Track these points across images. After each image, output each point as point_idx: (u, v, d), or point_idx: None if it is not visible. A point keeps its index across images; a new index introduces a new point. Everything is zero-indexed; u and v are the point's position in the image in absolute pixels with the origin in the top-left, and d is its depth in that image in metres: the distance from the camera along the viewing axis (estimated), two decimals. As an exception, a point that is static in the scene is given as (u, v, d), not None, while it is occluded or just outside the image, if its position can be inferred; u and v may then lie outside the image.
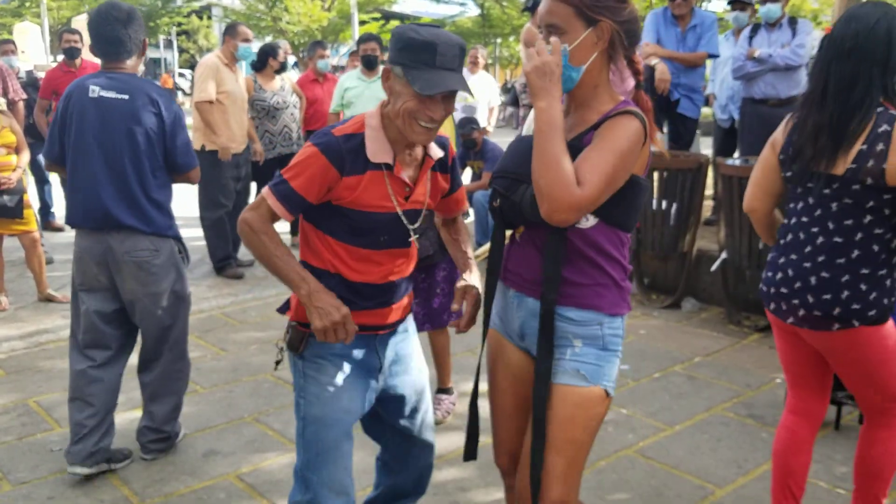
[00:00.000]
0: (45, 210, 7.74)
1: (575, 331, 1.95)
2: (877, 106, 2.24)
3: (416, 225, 2.16)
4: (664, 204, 5.33)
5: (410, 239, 2.16)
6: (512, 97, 8.50)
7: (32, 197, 6.09)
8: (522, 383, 2.08)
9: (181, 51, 31.41)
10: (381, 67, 2.45)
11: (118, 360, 3.34)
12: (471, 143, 6.87)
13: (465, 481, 3.17)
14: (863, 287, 2.27)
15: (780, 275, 2.41)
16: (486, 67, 8.22)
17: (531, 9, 7.64)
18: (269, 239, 2.06)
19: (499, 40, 30.26)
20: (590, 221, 1.89)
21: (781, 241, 2.46)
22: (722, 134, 6.56)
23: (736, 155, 6.22)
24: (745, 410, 3.78)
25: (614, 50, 1.90)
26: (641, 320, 5.21)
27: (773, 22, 5.68)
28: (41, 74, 7.68)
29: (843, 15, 2.33)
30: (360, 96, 6.11)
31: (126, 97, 3.06)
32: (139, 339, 3.42)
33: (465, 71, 8.10)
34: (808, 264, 2.34)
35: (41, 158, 7.34)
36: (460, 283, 2.25)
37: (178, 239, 3.30)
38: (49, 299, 5.50)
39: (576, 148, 1.84)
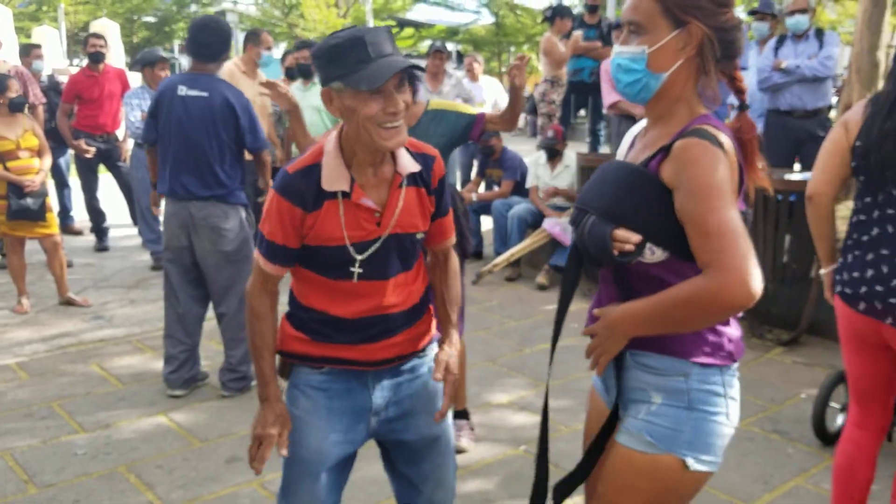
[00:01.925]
0: (65, 214, 7.78)
1: (654, 382, 1.68)
2: None
3: (368, 254, 1.90)
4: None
5: (385, 266, 1.92)
6: (530, 106, 8.51)
7: (52, 201, 6.13)
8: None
9: (196, 56, 31.67)
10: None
11: (197, 306, 4.06)
12: (489, 150, 6.86)
13: (490, 493, 3.15)
14: None
15: (870, 273, 2.34)
16: (500, 75, 8.22)
17: (550, 19, 7.69)
18: (259, 322, 1.96)
19: (513, 48, 30.25)
20: (656, 255, 1.61)
21: (864, 238, 2.39)
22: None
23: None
24: (770, 426, 3.75)
25: (705, 60, 1.63)
26: (662, 332, 5.17)
27: (801, 33, 5.66)
28: (63, 78, 7.72)
29: None
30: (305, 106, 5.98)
31: (206, 94, 3.79)
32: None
33: (464, 80, 8.11)
34: None
35: (62, 162, 7.41)
36: (440, 356, 2.00)
37: (246, 206, 4.00)
38: (70, 303, 5.52)
39: (642, 173, 1.62)
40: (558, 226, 6.20)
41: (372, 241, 1.90)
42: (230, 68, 6.01)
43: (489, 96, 8.23)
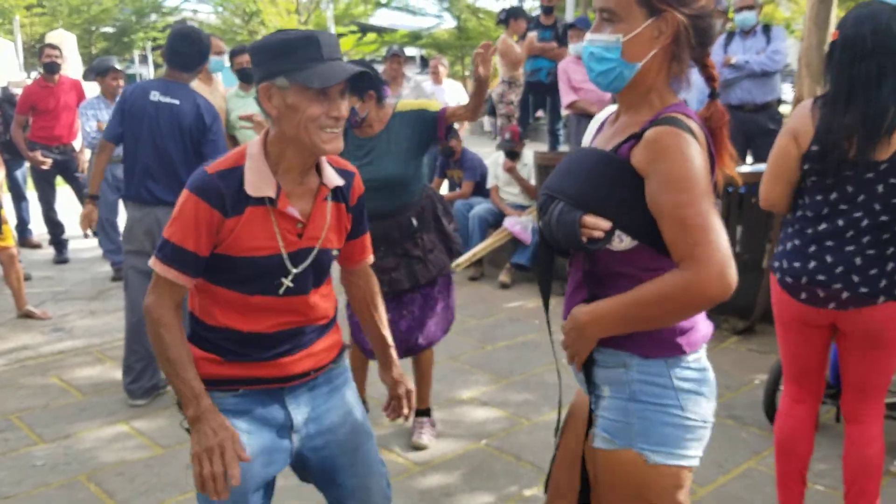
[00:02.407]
0: (23, 227, 7.68)
1: (602, 374, 1.67)
2: None
3: (307, 263, 1.85)
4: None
5: (300, 280, 1.85)
6: (489, 107, 8.57)
7: (10, 214, 6.05)
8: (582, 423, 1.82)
9: (156, 66, 31.29)
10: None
11: None
12: (449, 151, 6.92)
13: (450, 487, 3.19)
14: None
15: (812, 264, 2.45)
16: (464, 78, 8.30)
17: (504, 21, 7.77)
18: (168, 334, 1.77)
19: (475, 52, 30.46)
20: (624, 242, 1.58)
21: (808, 231, 2.48)
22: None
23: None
24: (724, 412, 3.83)
25: (679, 48, 1.58)
26: (622, 325, 5.26)
27: (748, 29, 5.79)
28: (17, 91, 7.63)
29: (849, 19, 2.38)
30: (241, 113, 5.65)
31: (177, 102, 3.85)
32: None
33: (428, 82, 8.16)
34: (850, 247, 2.41)
35: (18, 175, 7.33)
36: (397, 387, 2.14)
37: None
38: (28, 315, 5.46)
39: (613, 159, 1.59)
40: (519, 224, 6.27)
41: (304, 252, 1.84)
42: None
43: (452, 99, 8.29)
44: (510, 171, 6.46)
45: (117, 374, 4.34)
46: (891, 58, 2.30)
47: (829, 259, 2.43)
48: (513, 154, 6.51)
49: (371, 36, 26.45)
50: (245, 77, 5.71)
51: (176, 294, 1.80)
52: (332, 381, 2.02)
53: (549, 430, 3.67)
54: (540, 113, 8.41)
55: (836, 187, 2.42)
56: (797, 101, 5.53)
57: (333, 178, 1.88)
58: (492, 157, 6.83)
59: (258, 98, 1.75)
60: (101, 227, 6.55)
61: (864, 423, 2.59)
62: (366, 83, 1.99)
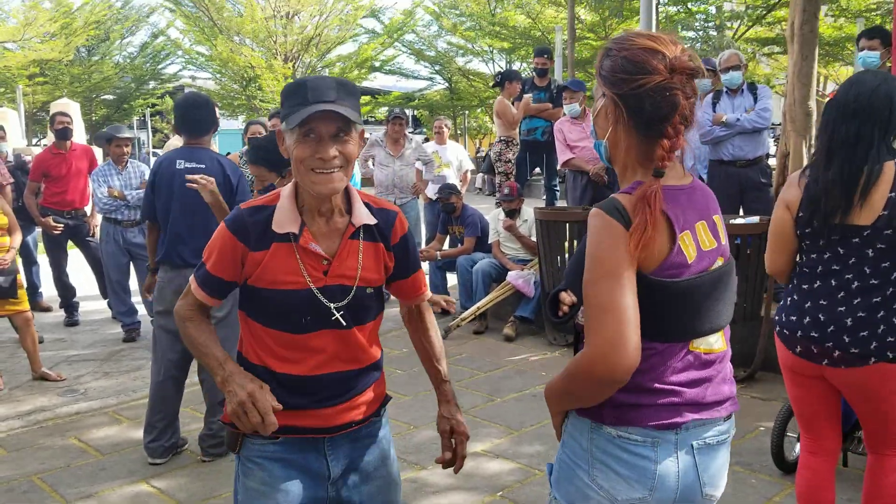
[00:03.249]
0: (33, 290, 7.78)
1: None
2: (884, 160, 2.42)
3: (343, 303, 1.89)
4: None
5: (334, 317, 1.89)
6: (487, 165, 8.82)
7: (21, 278, 6.16)
8: None
9: (154, 131, 31.80)
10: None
11: (180, 373, 4.12)
12: (450, 207, 7.12)
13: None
14: None
15: (807, 319, 2.55)
16: (456, 137, 8.58)
17: (500, 84, 8.05)
18: (193, 326, 1.95)
19: (466, 112, 30.98)
20: (580, 318, 1.67)
21: (804, 287, 2.58)
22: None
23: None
24: (733, 459, 3.89)
25: (626, 128, 1.61)
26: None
27: (735, 88, 6.05)
28: (29, 158, 7.83)
29: (845, 82, 2.54)
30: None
31: (203, 166, 3.98)
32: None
33: (431, 143, 8.44)
34: (842, 308, 2.51)
35: (29, 240, 7.46)
36: (442, 423, 2.09)
37: None
38: (44, 378, 5.53)
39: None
40: (521, 278, 6.42)
41: (331, 289, 1.89)
42: (174, 142, 6.17)
43: (454, 158, 8.55)
44: (510, 228, 6.64)
45: (134, 433, 4.42)
46: (870, 123, 2.43)
47: (821, 317, 2.53)
48: (512, 212, 6.70)
49: (365, 98, 27.01)
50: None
51: (203, 307, 1.99)
52: (374, 434, 2.04)
53: (562, 479, 3.74)
54: (536, 170, 8.62)
55: (828, 248, 2.53)
56: (782, 155, 5.73)
57: (362, 217, 1.92)
58: (492, 213, 7.02)
59: None
60: (112, 290, 6.67)
61: (887, 454, 2.64)
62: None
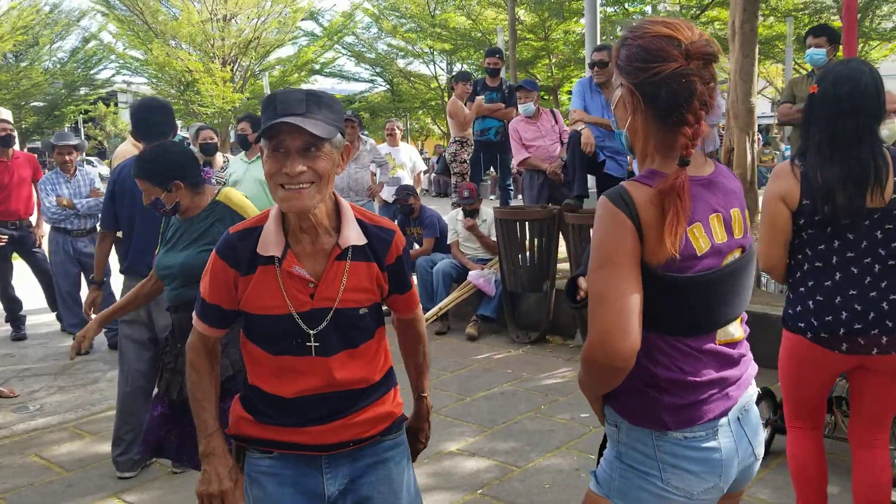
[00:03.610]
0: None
1: (606, 427, 1.77)
2: (881, 148, 2.48)
3: (321, 327, 1.83)
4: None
5: (308, 344, 1.83)
6: (442, 166, 8.83)
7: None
8: None
9: (88, 138, 30.92)
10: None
11: (147, 384, 3.94)
12: (409, 209, 7.11)
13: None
14: None
15: (844, 315, 2.51)
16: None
17: (461, 80, 8.05)
18: (196, 377, 1.94)
19: (408, 114, 31.00)
20: None
21: (827, 284, 2.54)
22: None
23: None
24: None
25: (644, 117, 1.62)
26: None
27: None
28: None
29: (829, 76, 2.54)
30: (241, 179, 5.80)
31: None
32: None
33: (384, 145, 8.43)
34: (873, 293, 2.51)
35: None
36: (410, 431, 2.12)
37: None
38: (-4, 395, 5.34)
39: None
40: (483, 278, 6.45)
41: (319, 312, 1.83)
42: (128, 149, 5.89)
43: (408, 160, 8.53)
44: (471, 228, 6.66)
45: (98, 448, 4.30)
46: (867, 119, 2.48)
47: (858, 307, 2.51)
48: (471, 212, 6.73)
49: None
50: (243, 144, 6.10)
51: (207, 341, 1.95)
52: (378, 455, 1.96)
53: (540, 475, 3.78)
54: (490, 170, 8.68)
55: (836, 236, 2.52)
56: (727, 150, 5.88)
57: (350, 238, 1.85)
58: (450, 214, 7.04)
59: None
60: (63, 302, 6.46)
61: (876, 448, 2.69)
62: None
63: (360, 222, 1.89)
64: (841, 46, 5.33)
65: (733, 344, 1.71)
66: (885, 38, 18.06)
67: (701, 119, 1.58)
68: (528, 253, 6.17)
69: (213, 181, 4.07)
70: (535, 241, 6.14)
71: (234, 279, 1.84)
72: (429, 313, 6.40)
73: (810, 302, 2.58)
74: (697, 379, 1.62)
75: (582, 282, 1.77)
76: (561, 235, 6.25)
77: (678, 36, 1.56)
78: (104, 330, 6.46)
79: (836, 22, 16.59)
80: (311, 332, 1.82)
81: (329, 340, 1.85)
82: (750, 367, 1.77)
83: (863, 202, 2.47)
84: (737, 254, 1.68)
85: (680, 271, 1.57)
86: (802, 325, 2.59)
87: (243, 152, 6.19)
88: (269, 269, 1.82)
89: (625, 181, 1.61)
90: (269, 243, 1.81)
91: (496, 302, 6.44)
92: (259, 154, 4.55)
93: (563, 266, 6.39)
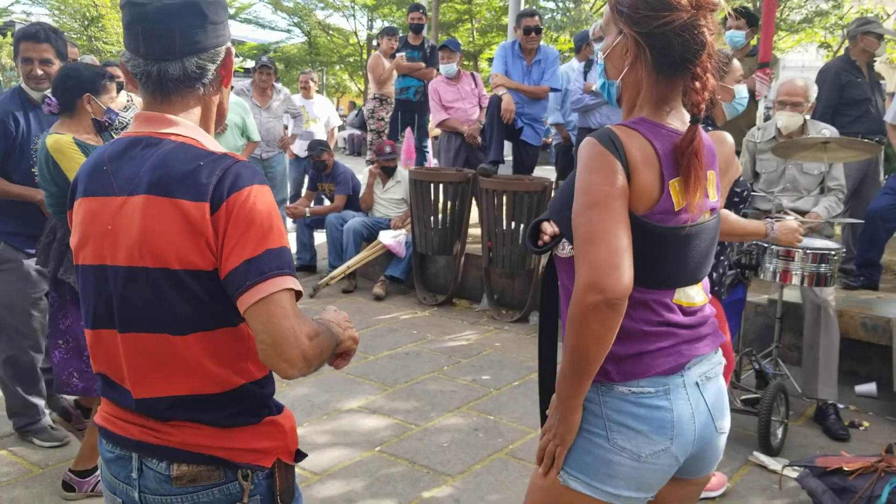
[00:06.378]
0: None
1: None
2: None
3: None
4: (513, 224, 5.68)
5: None
6: (360, 121, 8.67)
7: None
8: None
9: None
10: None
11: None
12: (321, 165, 6.96)
13: (352, 494, 3.24)
14: None
15: None
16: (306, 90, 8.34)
17: (387, 34, 7.88)
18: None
19: (325, 68, 30.30)
20: (566, 251, 1.62)
21: None
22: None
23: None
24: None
25: (645, 68, 1.55)
26: (495, 334, 5.49)
27: (605, 58, 6.24)
28: None
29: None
30: None
31: None
32: None
33: (297, 96, 8.21)
34: None
35: None
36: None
37: None
38: None
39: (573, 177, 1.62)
40: (394, 238, 6.39)
41: None
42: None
43: (322, 114, 8.31)
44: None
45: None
46: None
47: None
48: (387, 170, 6.64)
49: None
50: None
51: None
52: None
53: (439, 434, 3.79)
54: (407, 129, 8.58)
55: None
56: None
57: None
58: (364, 171, 6.93)
59: None
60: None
61: None
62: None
63: None
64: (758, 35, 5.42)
65: (693, 308, 1.65)
66: (792, 30, 18.73)
67: (708, 70, 1.53)
68: (440, 216, 6.14)
69: (118, 121, 3.83)
70: (449, 204, 6.11)
71: None
72: (336, 271, 6.31)
73: None
74: (645, 328, 1.57)
75: (546, 227, 1.66)
76: (474, 200, 6.25)
77: None
78: None
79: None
80: None
81: None
82: (712, 334, 1.69)
83: None
84: (707, 215, 1.63)
85: (658, 222, 1.53)
86: None
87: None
88: None
89: (611, 125, 1.55)
90: None
91: (405, 263, 6.40)
92: None
93: (475, 231, 6.40)
